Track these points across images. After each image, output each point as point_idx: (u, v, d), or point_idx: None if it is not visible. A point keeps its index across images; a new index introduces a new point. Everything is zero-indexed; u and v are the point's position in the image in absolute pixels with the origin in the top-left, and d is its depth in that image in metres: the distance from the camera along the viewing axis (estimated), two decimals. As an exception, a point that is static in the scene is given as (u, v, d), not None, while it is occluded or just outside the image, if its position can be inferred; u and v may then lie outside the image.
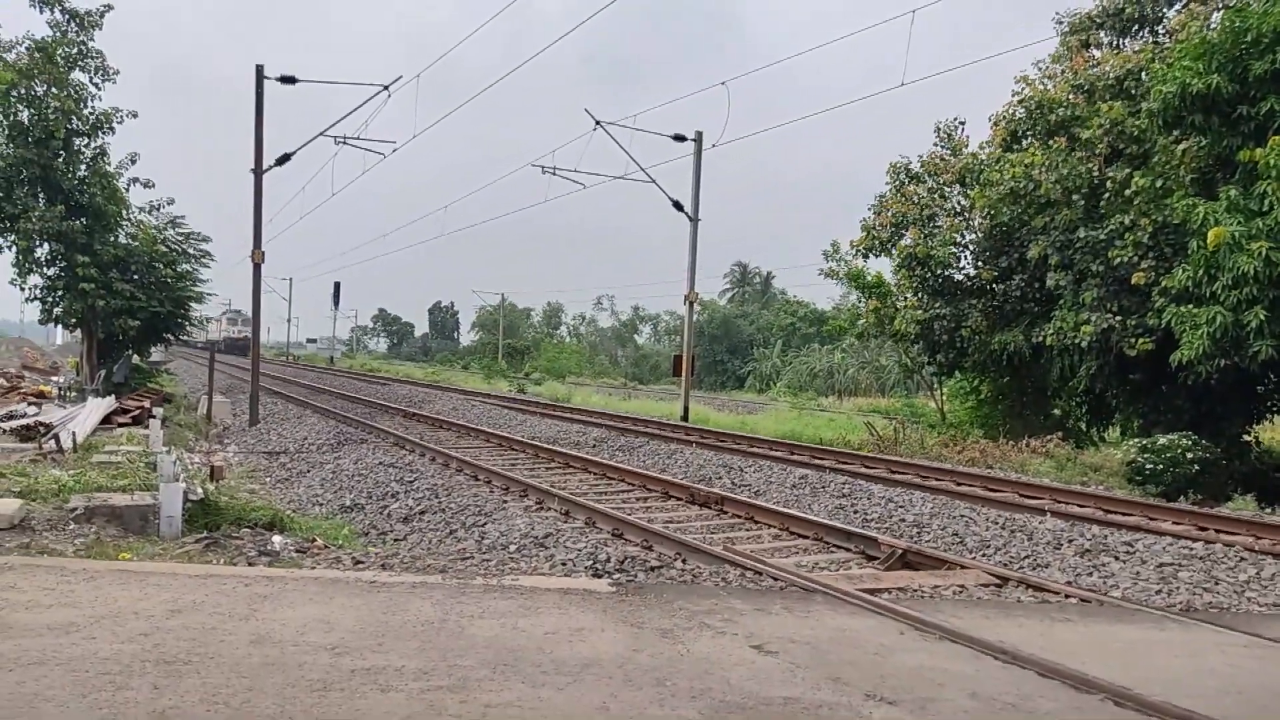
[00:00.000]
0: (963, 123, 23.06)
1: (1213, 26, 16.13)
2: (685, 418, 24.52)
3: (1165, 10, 20.07)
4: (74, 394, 20.77)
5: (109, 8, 21.88)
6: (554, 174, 25.78)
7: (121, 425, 16.27)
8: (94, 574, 6.00)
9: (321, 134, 22.95)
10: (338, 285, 76.88)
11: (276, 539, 8.06)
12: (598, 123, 23.68)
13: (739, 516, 10.41)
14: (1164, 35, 19.73)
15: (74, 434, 12.80)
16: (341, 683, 4.21)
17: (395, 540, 9.56)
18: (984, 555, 8.65)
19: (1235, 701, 4.70)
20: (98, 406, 16.64)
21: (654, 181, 25.09)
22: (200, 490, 8.68)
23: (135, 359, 27.43)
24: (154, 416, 15.92)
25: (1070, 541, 8.99)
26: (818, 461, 15.27)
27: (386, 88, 21.03)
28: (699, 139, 25.17)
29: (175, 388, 31.18)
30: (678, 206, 25.41)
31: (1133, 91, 18.38)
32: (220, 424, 20.83)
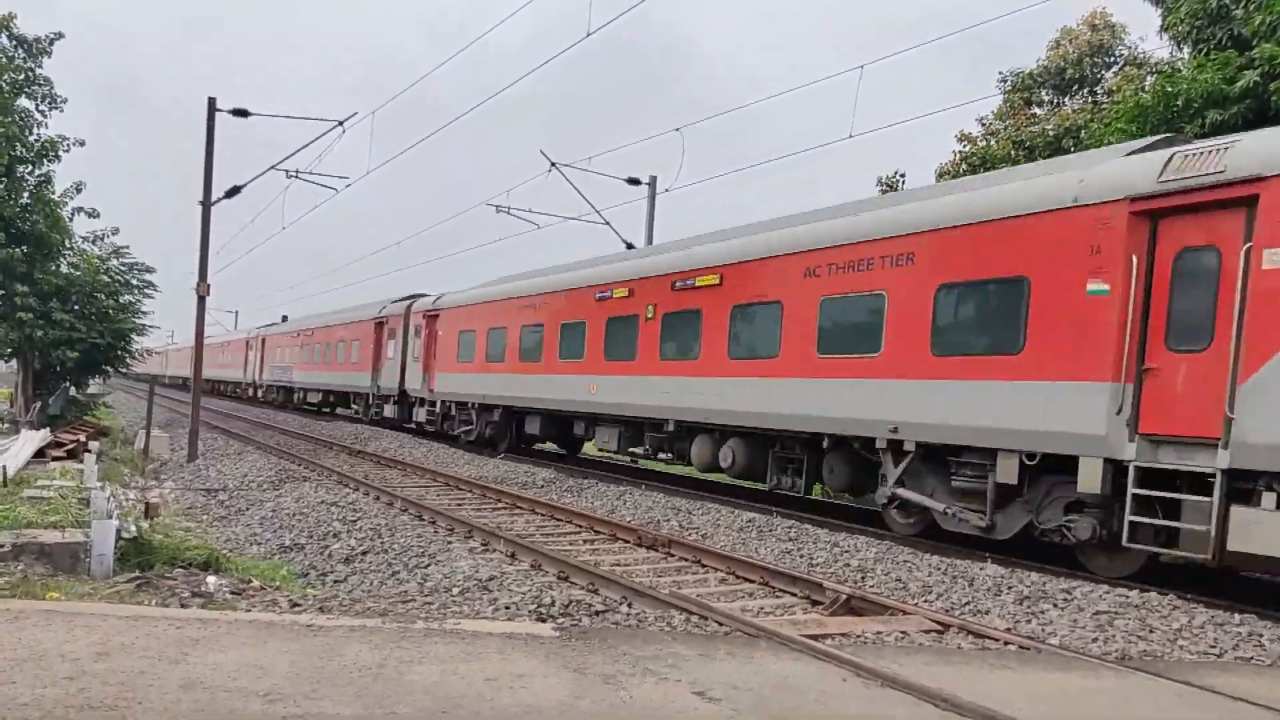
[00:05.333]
0: (903, 176, 23.66)
1: (1146, 89, 16.79)
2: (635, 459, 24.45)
3: (1103, 72, 20.92)
4: (7, 426, 20.17)
5: (59, 35, 21.61)
6: (509, 213, 25.84)
7: (56, 459, 15.82)
8: (18, 614, 5.80)
9: (273, 167, 22.81)
10: (285, 320, 75.75)
11: (211, 580, 7.88)
12: (553, 164, 23.83)
13: (686, 560, 10.39)
14: (1102, 95, 20.55)
15: (4, 467, 12.41)
16: (274, 730, 4.11)
17: (335, 582, 9.37)
18: (926, 601, 8.71)
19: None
20: (31, 439, 16.18)
21: (608, 224, 25.29)
22: (134, 528, 8.47)
23: (72, 391, 26.78)
24: (89, 450, 15.53)
25: (1010, 588, 9.09)
26: (765, 504, 15.31)
27: (341, 123, 20.98)
28: (653, 183, 25.43)
29: (113, 421, 30.37)
30: (631, 249, 25.58)
31: (1070, 149, 19.03)
32: (158, 459, 20.30)
